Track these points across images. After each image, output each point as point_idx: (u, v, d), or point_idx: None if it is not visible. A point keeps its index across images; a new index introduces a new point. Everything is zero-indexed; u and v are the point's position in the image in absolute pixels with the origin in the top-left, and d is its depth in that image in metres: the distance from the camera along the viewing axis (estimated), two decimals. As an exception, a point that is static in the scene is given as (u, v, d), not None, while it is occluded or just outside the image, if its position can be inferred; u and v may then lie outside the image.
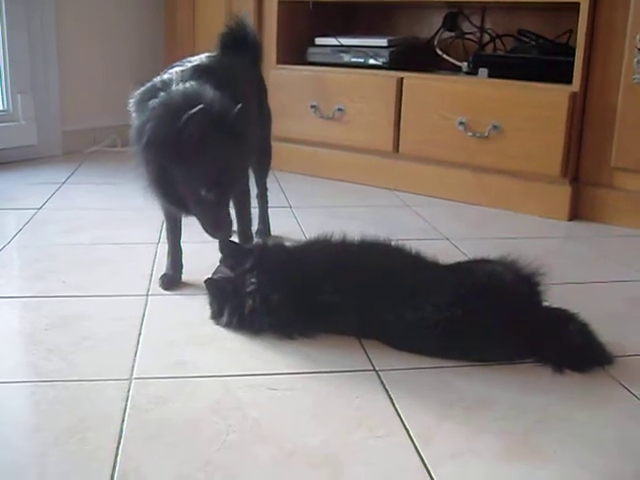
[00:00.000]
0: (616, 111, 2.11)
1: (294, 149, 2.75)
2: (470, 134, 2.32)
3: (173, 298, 1.53)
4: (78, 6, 3.01)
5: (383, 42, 2.59)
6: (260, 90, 1.85)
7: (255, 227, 1.87)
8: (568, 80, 2.15)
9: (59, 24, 2.93)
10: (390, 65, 2.56)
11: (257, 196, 1.96)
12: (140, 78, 1.52)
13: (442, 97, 2.39)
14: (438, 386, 1.19)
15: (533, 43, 2.47)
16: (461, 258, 1.65)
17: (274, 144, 1.99)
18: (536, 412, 1.11)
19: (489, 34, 2.66)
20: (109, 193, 2.42)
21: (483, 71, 2.37)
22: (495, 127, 2.26)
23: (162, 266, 1.63)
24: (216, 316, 1.39)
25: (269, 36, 2.74)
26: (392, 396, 1.15)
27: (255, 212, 1.86)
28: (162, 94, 1.37)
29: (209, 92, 1.36)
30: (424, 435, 1.04)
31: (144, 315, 1.43)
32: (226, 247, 1.45)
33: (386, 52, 2.57)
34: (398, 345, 1.30)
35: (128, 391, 1.13)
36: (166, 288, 1.57)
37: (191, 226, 1.53)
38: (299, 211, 2.24)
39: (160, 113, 1.34)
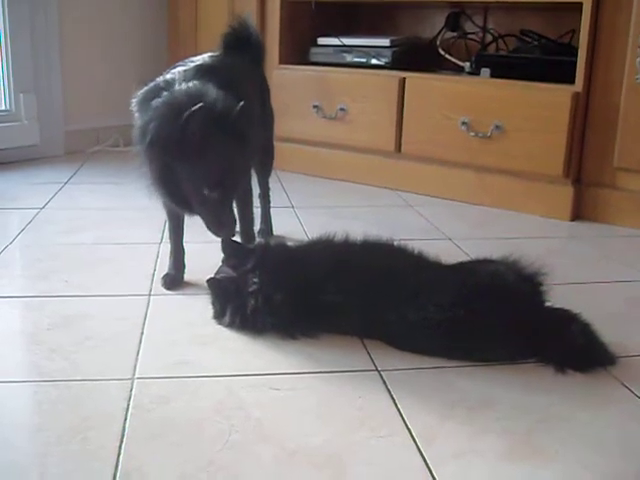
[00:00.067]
0: (619, 111, 2.10)
1: (296, 149, 2.75)
2: (472, 134, 2.32)
3: (175, 298, 1.54)
4: (81, 6, 3.02)
5: (385, 42, 2.59)
6: (263, 90, 1.85)
7: (257, 227, 1.87)
8: (571, 80, 2.15)
9: (62, 24, 2.93)
10: (392, 65, 2.56)
11: (259, 196, 1.96)
12: (143, 78, 1.52)
13: (444, 97, 2.39)
14: (440, 386, 1.19)
15: (536, 43, 2.46)
16: (463, 258, 1.65)
17: (277, 144, 1.99)
18: (538, 412, 1.11)
19: (491, 34, 2.65)
20: (111, 193, 2.42)
21: (485, 71, 2.37)
22: (497, 127, 2.26)
23: (164, 266, 1.63)
24: (218, 316, 1.39)
25: (272, 36, 2.75)
26: (394, 396, 1.15)
27: (257, 212, 1.85)
28: (165, 94, 1.38)
29: (212, 91, 1.36)
30: (426, 435, 1.04)
31: (146, 315, 1.43)
32: (228, 247, 1.45)
33: (388, 52, 2.57)
34: (401, 345, 1.30)
35: (130, 391, 1.13)
36: (168, 288, 1.57)
37: (194, 226, 1.53)
38: (301, 211, 2.24)
39: (163, 112, 1.34)
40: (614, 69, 2.10)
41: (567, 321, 1.30)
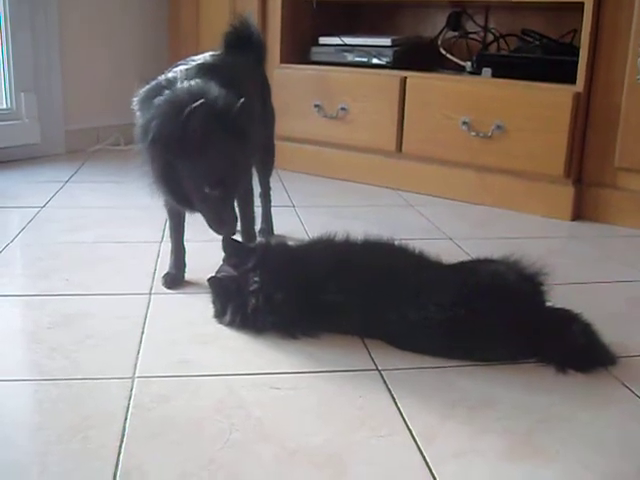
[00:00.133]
0: (620, 111, 2.10)
1: (297, 148, 2.75)
2: (473, 134, 2.32)
3: (176, 297, 1.53)
4: (81, 5, 3.02)
5: (387, 41, 2.59)
6: (264, 89, 1.85)
7: (258, 226, 1.87)
8: (572, 80, 2.15)
9: (62, 23, 2.93)
10: (393, 64, 2.56)
11: (260, 195, 1.96)
12: (143, 77, 1.52)
13: (445, 97, 2.39)
14: (441, 386, 1.19)
15: (537, 43, 2.46)
16: (464, 258, 1.65)
17: (277, 143, 1.99)
18: (539, 412, 1.11)
19: (493, 34, 2.65)
20: (112, 192, 2.42)
21: (487, 71, 2.37)
22: (498, 127, 2.26)
23: (165, 265, 1.63)
24: (219, 315, 1.39)
25: (273, 35, 2.75)
26: (395, 396, 1.15)
27: (258, 211, 1.86)
28: (167, 92, 1.38)
29: (214, 89, 1.36)
30: (427, 434, 1.04)
31: (147, 314, 1.43)
32: (229, 246, 1.45)
33: (389, 51, 2.57)
34: (401, 345, 1.30)
35: (131, 389, 1.13)
36: (169, 287, 1.57)
37: (194, 225, 1.53)
38: (302, 210, 2.24)
39: (165, 110, 1.34)
40: (615, 69, 2.10)
41: (568, 321, 1.30)
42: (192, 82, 1.39)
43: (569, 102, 2.12)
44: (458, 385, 1.19)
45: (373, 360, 1.27)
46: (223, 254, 1.46)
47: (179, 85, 1.39)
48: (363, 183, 2.61)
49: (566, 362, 1.24)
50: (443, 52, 2.65)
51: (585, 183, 2.24)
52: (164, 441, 1.00)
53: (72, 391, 1.13)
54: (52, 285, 1.56)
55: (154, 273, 1.65)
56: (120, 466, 0.94)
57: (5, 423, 1.04)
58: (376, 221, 2.14)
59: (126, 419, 1.05)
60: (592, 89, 2.16)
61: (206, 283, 1.40)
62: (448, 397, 1.15)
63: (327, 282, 1.33)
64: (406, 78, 2.46)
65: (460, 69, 2.55)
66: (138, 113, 1.43)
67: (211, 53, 1.64)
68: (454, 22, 2.69)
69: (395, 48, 2.58)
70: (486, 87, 2.32)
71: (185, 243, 1.63)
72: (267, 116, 1.85)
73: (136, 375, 1.18)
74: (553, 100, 2.17)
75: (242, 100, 1.35)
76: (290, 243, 1.55)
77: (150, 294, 1.53)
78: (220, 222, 1.39)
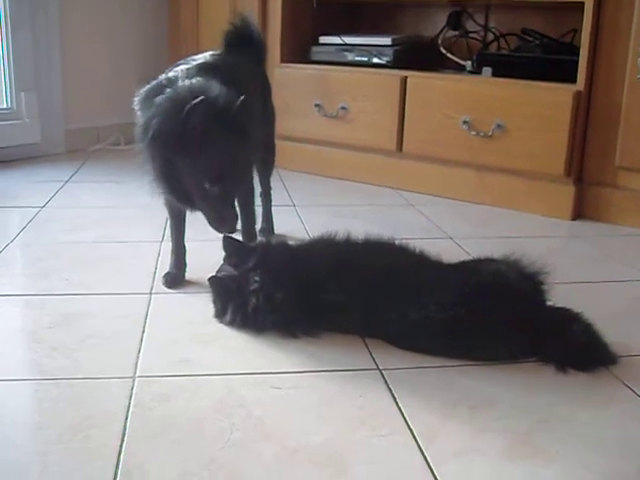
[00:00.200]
0: (620, 110, 2.10)
1: (298, 148, 2.75)
2: (474, 133, 2.32)
3: (177, 296, 1.53)
4: (82, 4, 3.02)
5: (387, 41, 2.59)
6: (264, 88, 1.85)
7: (259, 226, 1.87)
8: (572, 79, 2.15)
9: (63, 22, 2.93)
10: (394, 64, 2.56)
11: (261, 195, 1.96)
12: (144, 76, 1.52)
13: (446, 96, 2.38)
14: (442, 385, 1.19)
15: (537, 42, 2.46)
16: (465, 257, 1.65)
17: (278, 143, 1.99)
18: (539, 411, 1.11)
19: (493, 33, 2.65)
20: (112, 191, 2.42)
21: (487, 70, 2.37)
22: (499, 126, 2.26)
23: (166, 264, 1.63)
24: (220, 314, 1.39)
25: (273, 35, 2.74)
26: (395, 395, 1.15)
27: (259, 211, 1.85)
28: (168, 90, 1.38)
29: (215, 87, 1.36)
30: (427, 434, 1.04)
31: (148, 313, 1.43)
32: (230, 245, 1.45)
33: (390, 51, 2.57)
34: (402, 344, 1.30)
35: (132, 389, 1.13)
36: (169, 286, 1.57)
37: (195, 224, 1.53)
38: (303, 210, 2.24)
39: (166, 108, 1.34)
40: (616, 68, 2.10)
41: (568, 320, 1.30)
42: (193, 80, 1.39)
43: (569, 101, 2.12)
44: (459, 385, 1.19)
45: (374, 359, 1.27)
46: (223, 253, 1.46)
47: (180, 84, 1.39)
48: (363, 182, 2.61)
49: (567, 361, 1.24)
50: (443, 51, 2.65)
51: (586, 182, 2.24)
52: (165, 440, 1.00)
53: (73, 390, 1.13)
54: (52, 285, 1.56)
55: (154, 273, 1.65)
56: (121, 465, 0.94)
57: (5, 423, 1.04)
58: (376, 220, 2.14)
59: (127, 418, 1.05)
60: (592, 88, 2.16)
61: (207, 282, 1.40)
62: (449, 397, 1.15)
63: (328, 281, 1.33)
64: (406, 77, 2.46)
65: (460, 68, 2.55)
66: (139, 112, 1.44)
67: (211, 52, 1.64)
68: (454, 21, 2.69)
69: (395, 47, 2.58)
70: (486, 86, 2.32)
71: (186, 242, 1.63)
72: (267, 115, 1.85)
73: (137, 374, 1.18)
74: (553, 99, 2.17)
75: (242, 97, 1.36)
76: (291, 242, 1.55)
77: (151, 293, 1.53)
78: (220, 220, 1.39)
